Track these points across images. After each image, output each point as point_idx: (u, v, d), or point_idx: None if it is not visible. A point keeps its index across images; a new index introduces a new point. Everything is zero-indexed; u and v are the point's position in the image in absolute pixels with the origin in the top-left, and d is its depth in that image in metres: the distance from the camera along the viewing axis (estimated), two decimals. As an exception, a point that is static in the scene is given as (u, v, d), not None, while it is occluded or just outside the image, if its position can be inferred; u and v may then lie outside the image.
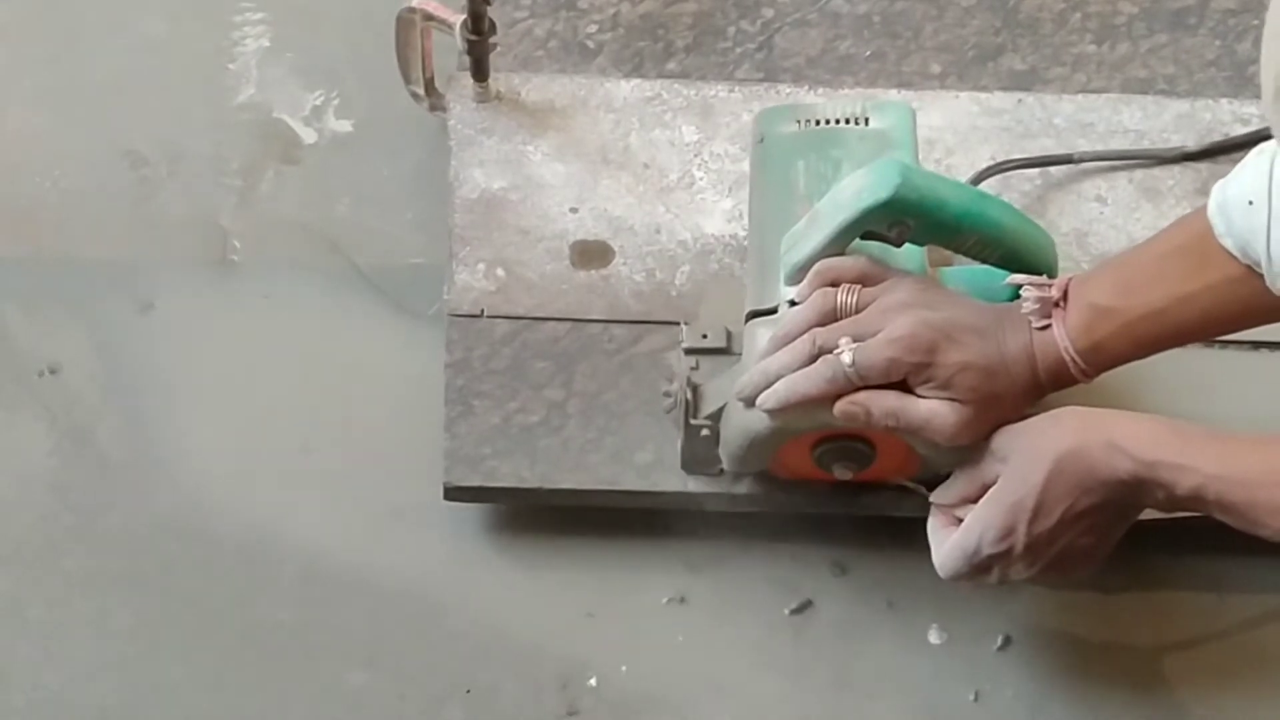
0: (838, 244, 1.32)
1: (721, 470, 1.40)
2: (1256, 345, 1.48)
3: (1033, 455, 1.24)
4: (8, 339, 1.54)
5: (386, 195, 1.62)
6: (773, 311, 1.35)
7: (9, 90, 1.67)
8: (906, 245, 1.32)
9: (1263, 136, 1.47)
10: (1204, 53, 1.67)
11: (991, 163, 1.57)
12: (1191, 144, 1.60)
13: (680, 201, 1.55)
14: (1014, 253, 1.34)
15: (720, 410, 1.36)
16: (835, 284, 1.31)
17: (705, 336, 1.42)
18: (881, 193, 1.29)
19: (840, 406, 1.28)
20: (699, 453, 1.39)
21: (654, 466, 1.42)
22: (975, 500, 1.28)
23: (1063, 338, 1.28)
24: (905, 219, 1.30)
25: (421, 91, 1.61)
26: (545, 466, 1.43)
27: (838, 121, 1.42)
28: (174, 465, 1.48)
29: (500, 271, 1.51)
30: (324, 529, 1.45)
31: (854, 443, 1.33)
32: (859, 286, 1.30)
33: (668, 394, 1.43)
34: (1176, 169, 1.59)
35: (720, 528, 1.43)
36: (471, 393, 1.46)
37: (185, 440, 1.50)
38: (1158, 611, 1.42)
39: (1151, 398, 1.44)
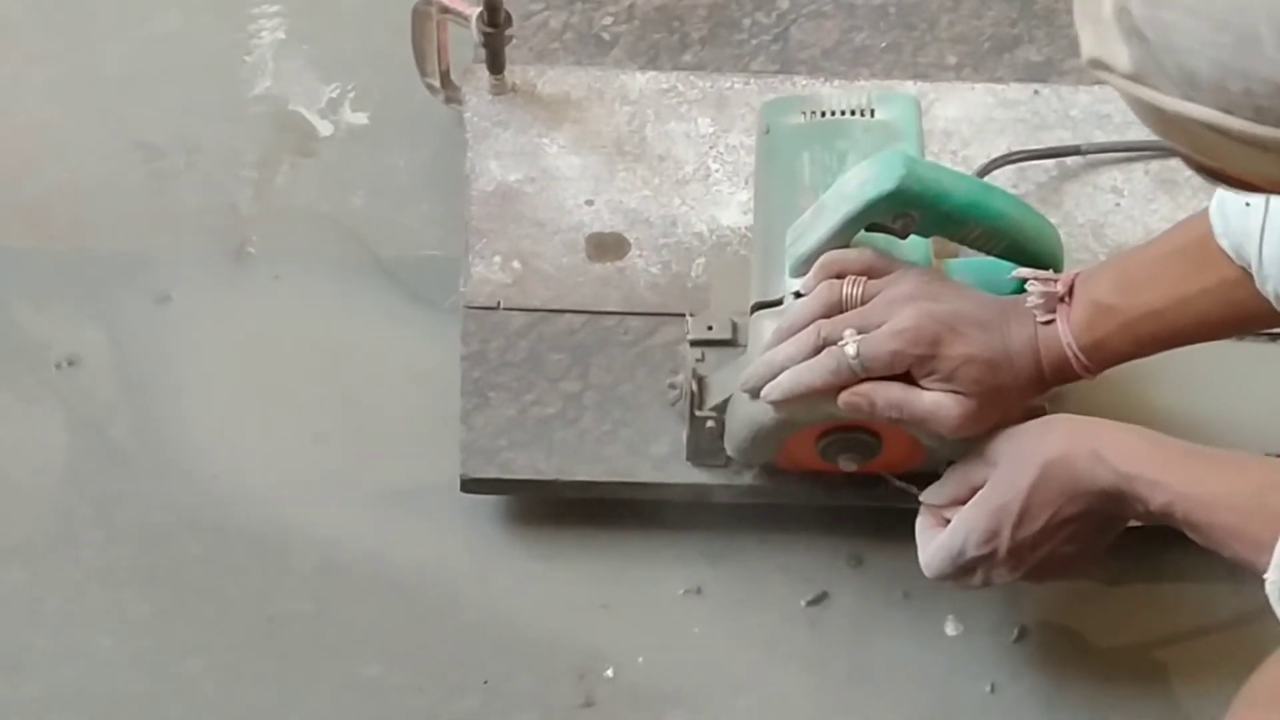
0: (843, 236, 1.32)
1: (727, 462, 1.40)
2: (1275, 337, 1.47)
3: (1020, 461, 1.24)
4: (25, 331, 1.54)
5: (402, 187, 1.62)
6: (778, 303, 1.35)
7: (25, 83, 1.68)
8: (911, 237, 1.32)
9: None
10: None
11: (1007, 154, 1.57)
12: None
13: (696, 193, 1.55)
14: (1019, 244, 1.33)
15: (725, 402, 1.36)
16: (840, 276, 1.31)
17: (711, 328, 1.41)
18: (886, 185, 1.29)
19: (844, 398, 1.28)
20: (704, 444, 1.39)
21: (670, 458, 1.42)
22: (964, 502, 1.27)
23: (1066, 333, 1.28)
24: (910, 211, 1.30)
25: (437, 84, 1.62)
26: (561, 458, 1.43)
27: (843, 113, 1.42)
28: (190, 457, 1.49)
29: (516, 264, 1.51)
30: (340, 521, 1.46)
31: (859, 434, 1.33)
32: (864, 278, 1.30)
33: (673, 385, 1.43)
34: (1193, 160, 1.58)
35: (736, 519, 1.43)
36: (488, 385, 1.46)
37: (201, 432, 1.50)
38: (1172, 603, 1.42)
39: (1167, 389, 1.44)
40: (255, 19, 1.72)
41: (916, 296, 1.28)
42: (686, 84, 1.62)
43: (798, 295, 1.33)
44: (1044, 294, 1.29)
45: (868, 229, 1.32)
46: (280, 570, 1.43)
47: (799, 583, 1.43)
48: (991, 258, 1.35)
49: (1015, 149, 1.58)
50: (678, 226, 1.54)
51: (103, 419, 1.50)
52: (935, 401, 1.27)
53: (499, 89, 1.60)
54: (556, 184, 1.56)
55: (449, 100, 1.62)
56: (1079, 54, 0.95)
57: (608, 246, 1.53)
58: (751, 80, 1.62)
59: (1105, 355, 1.29)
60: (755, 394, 1.32)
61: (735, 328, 1.40)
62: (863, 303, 1.29)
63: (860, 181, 1.30)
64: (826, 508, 1.43)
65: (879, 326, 1.27)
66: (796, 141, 1.42)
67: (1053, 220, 1.40)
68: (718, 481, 1.42)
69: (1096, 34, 0.84)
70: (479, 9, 1.54)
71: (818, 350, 1.28)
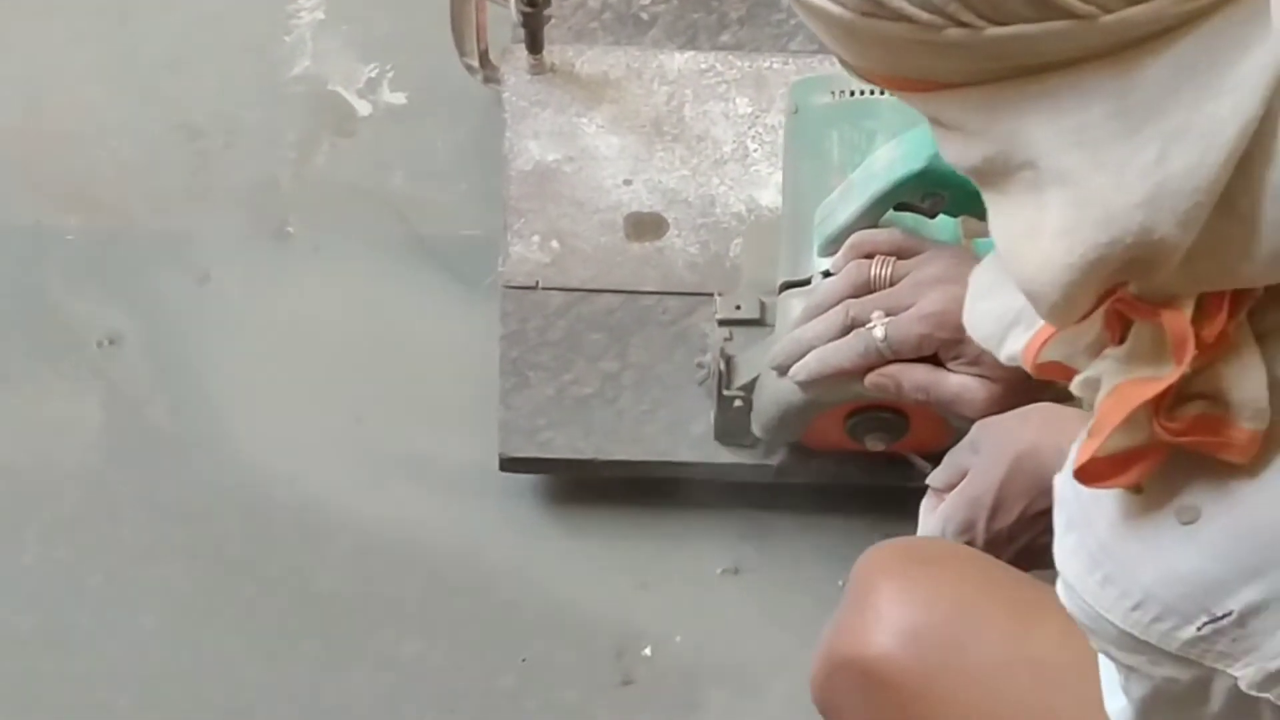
0: (871, 215, 1.32)
1: (755, 442, 1.41)
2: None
3: (996, 452, 1.22)
4: (66, 311, 1.55)
5: (441, 167, 1.63)
6: (806, 282, 1.35)
7: (66, 64, 1.68)
8: (940, 216, 1.32)
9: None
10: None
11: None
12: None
13: (734, 173, 1.56)
14: (1047, 224, 1.33)
15: (754, 381, 1.37)
16: (870, 256, 1.30)
17: (739, 308, 1.41)
18: (915, 164, 1.28)
19: (871, 379, 1.27)
20: (732, 424, 1.40)
21: (708, 438, 1.42)
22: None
23: None
24: (939, 190, 1.30)
25: (476, 64, 1.62)
26: (600, 438, 1.43)
27: (872, 92, 1.42)
28: (230, 436, 1.49)
29: (555, 243, 1.52)
30: (379, 499, 1.46)
31: (887, 414, 1.34)
32: (893, 259, 1.30)
33: (701, 365, 1.43)
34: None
35: (773, 500, 1.44)
36: (526, 364, 1.46)
37: (241, 411, 1.51)
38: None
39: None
40: (295, 0, 1.73)
41: (945, 279, 1.28)
42: (725, 64, 1.62)
43: (826, 275, 1.33)
44: None
45: (896, 208, 1.32)
46: (320, 548, 1.44)
47: (836, 563, 1.43)
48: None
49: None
50: (716, 206, 1.54)
51: (143, 398, 1.51)
52: (962, 384, 1.26)
53: (537, 69, 1.60)
54: (595, 164, 1.56)
55: (487, 80, 1.62)
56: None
57: (646, 226, 1.53)
58: (790, 60, 1.62)
59: None
60: (783, 372, 1.32)
61: (763, 307, 1.41)
62: (891, 283, 1.29)
63: (889, 161, 1.30)
64: (862, 488, 1.43)
65: (907, 309, 1.27)
66: (825, 121, 1.42)
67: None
68: (754, 461, 1.42)
69: None
70: (518, -11, 1.54)
71: (846, 330, 1.28)
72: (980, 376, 1.26)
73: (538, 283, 1.50)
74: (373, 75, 1.68)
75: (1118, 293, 0.76)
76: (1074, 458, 0.79)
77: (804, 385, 1.30)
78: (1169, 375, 0.75)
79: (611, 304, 1.49)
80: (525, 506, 1.46)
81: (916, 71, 0.72)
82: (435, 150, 1.64)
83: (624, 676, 1.39)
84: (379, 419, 1.50)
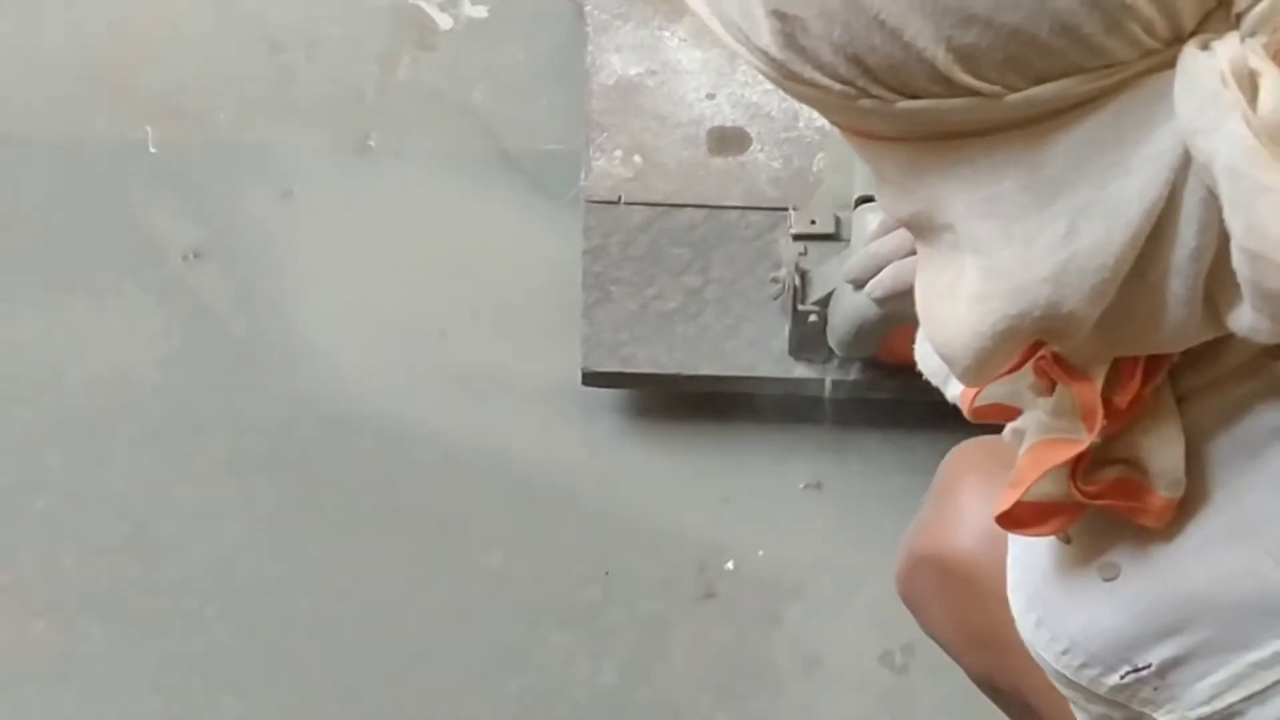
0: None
1: (829, 356, 1.41)
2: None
3: None
4: (151, 225, 1.56)
5: (522, 81, 1.63)
6: None
7: (149, -23, 1.69)
8: None
9: None
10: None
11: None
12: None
13: (817, 87, 1.54)
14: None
15: (828, 296, 1.37)
16: None
17: (814, 222, 1.41)
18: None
19: None
20: (807, 338, 1.40)
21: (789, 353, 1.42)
22: None
23: None
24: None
25: (558, -23, 1.61)
26: (683, 353, 1.43)
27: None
28: (314, 350, 1.50)
29: (637, 158, 1.51)
30: (462, 413, 1.47)
31: None
32: None
33: (775, 280, 1.43)
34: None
35: (858, 415, 1.44)
36: (609, 279, 1.46)
37: (325, 325, 1.51)
38: None
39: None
40: (376, -87, 1.72)
41: None
42: (808, -24, 1.60)
43: None
44: None
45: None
46: (403, 462, 1.45)
47: (917, 477, 1.41)
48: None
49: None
50: (799, 121, 1.53)
51: (228, 311, 1.52)
52: None
53: (619, -18, 1.59)
54: (677, 78, 1.55)
55: (569, -7, 1.62)
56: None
57: (729, 141, 1.52)
58: (873, -27, 1.60)
59: None
60: (860, 285, 1.31)
61: (838, 222, 1.40)
62: None
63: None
64: (944, 403, 1.42)
65: None
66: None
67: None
68: (838, 377, 1.42)
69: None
70: (600, -99, 1.53)
71: None
72: None
73: (620, 197, 1.50)
74: (454, -12, 1.68)
75: (1040, 350, 0.77)
76: (996, 504, 0.80)
77: (880, 300, 1.30)
78: (1084, 440, 0.76)
79: (694, 219, 1.49)
80: (607, 421, 1.46)
81: (848, 124, 0.73)
82: (516, 64, 1.63)
83: (706, 590, 1.39)
84: (461, 332, 1.51)
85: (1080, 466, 0.78)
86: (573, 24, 1.60)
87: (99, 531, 1.42)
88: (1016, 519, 0.80)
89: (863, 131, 0.74)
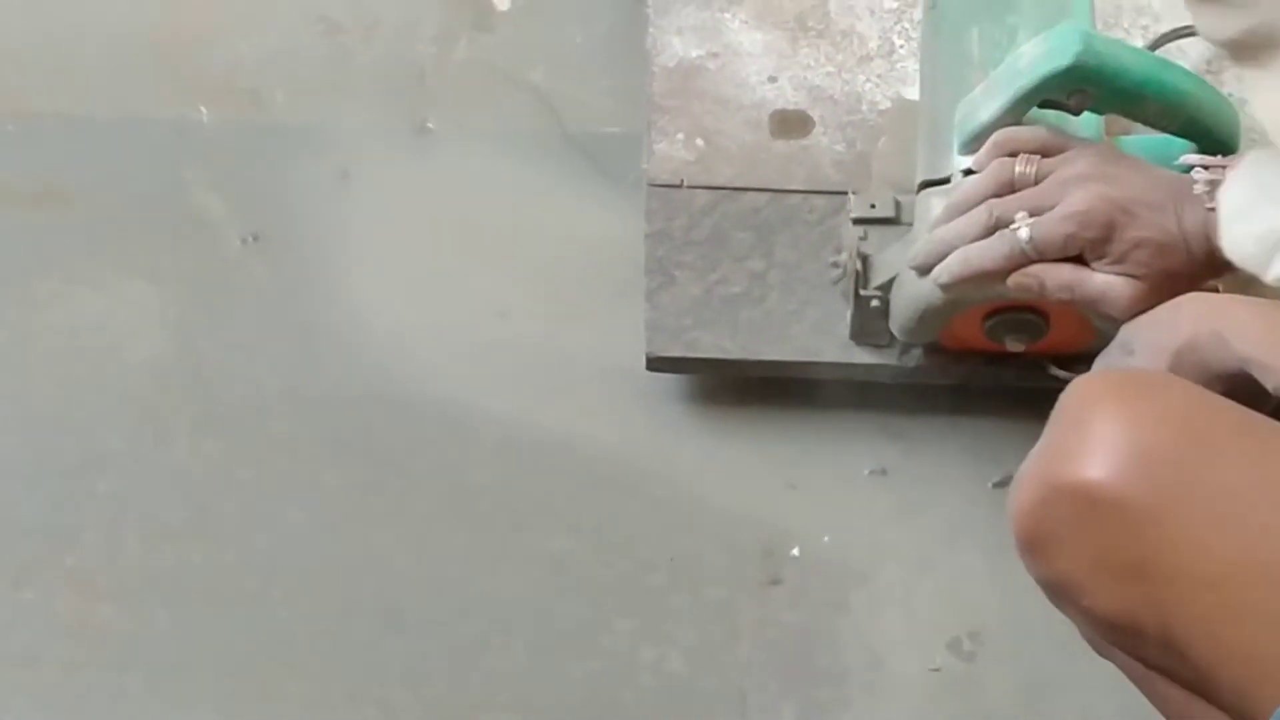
0: (1015, 112, 1.30)
1: (891, 341, 1.40)
2: None
3: (1154, 349, 1.20)
4: (210, 208, 1.56)
5: (581, 62, 1.62)
6: (946, 181, 1.33)
7: (204, -45, 1.68)
8: (1084, 113, 1.30)
9: None
10: None
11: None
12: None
13: (880, 70, 1.54)
14: (1195, 122, 1.30)
15: (890, 281, 1.36)
16: (1013, 154, 1.29)
17: (874, 206, 1.40)
18: (1062, 60, 1.26)
19: (1015, 279, 1.26)
20: (869, 324, 1.39)
21: (856, 338, 1.42)
22: None
23: None
24: (1086, 87, 1.27)
25: (617, -43, 1.61)
26: (747, 338, 1.43)
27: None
28: (374, 331, 1.50)
29: (699, 141, 1.51)
30: (524, 395, 1.47)
31: (1027, 314, 1.33)
32: (1038, 157, 1.28)
33: (836, 264, 1.42)
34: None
35: (923, 400, 1.43)
36: (672, 263, 1.46)
37: (385, 306, 1.51)
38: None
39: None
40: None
41: (1091, 177, 1.26)
42: (870, -42, 1.60)
43: (968, 173, 1.31)
44: (1209, 181, 1.26)
45: (1040, 105, 1.30)
46: (466, 444, 1.45)
47: (986, 464, 1.42)
48: (1165, 135, 1.32)
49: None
50: (862, 103, 1.52)
51: (287, 294, 1.52)
52: (1106, 283, 1.25)
53: (693, -38, 1.58)
54: (739, 60, 1.54)
55: (628, -26, 1.61)
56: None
57: (791, 124, 1.52)
58: (935, -46, 1.59)
59: None
60: (924, 271, 1.31)
61: (898, 205, 1.39)
62: (1035, 182, 1.27)
63: (1035, 56, 1.28)
64: (1015, 389, 1.42)
65: (1052, 208, 1.25)
66: (965, 16, 1.40)
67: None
68: (904, 363, 1.41)
69: None
70: (663, -118, 1.52)
71: (989, 231, 1.27)
72: (1126, 275, 1.25)
73: (682, 181, 1.49)
74: (511, -32, 1.67)
75: None
76: None
77: (945, 286, 1.29)
78: None
79: (757, 202, 1.48)
80: (671, 406, 1.46)
81: None
82: (575, 45, 1.63)
83: (772, 576, 1.39)
84: (522, 315, 1.50)
85: None
86: (631, 5, 1.59)
87: (160, 515, 1.42)
88: None
89: None
